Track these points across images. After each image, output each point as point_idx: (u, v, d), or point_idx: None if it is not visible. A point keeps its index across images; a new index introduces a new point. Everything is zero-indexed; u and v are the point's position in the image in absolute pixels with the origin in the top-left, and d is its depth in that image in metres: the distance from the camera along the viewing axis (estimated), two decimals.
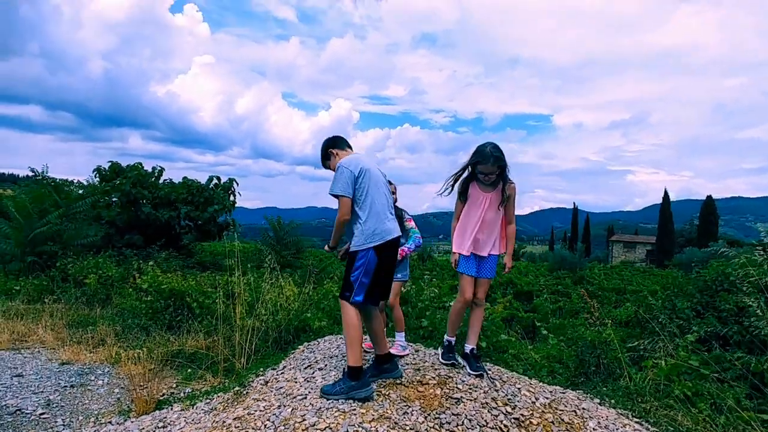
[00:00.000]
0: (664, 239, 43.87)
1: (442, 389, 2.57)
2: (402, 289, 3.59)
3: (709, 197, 43.66)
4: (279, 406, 2.39)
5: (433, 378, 2.70)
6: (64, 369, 4.66)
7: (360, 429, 2.09)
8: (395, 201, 3.50)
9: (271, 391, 2.74)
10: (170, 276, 6.89)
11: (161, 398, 3.88)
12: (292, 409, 2.31)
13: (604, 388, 3.93)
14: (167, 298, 6.16)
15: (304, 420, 2.18)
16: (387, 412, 2.25)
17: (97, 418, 3.62)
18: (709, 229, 40.15)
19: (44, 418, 3.58)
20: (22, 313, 6.58)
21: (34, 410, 3.69)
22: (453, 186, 3.08)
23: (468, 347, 3.16)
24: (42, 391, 4.07)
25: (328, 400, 2.40)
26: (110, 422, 3.49)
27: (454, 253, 3.04)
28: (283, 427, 2.14)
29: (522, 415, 2.56)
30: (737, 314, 4.85)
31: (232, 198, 13.93)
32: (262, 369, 3.45)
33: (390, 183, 3.49)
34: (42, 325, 5.95)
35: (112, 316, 6.31)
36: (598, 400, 3.47)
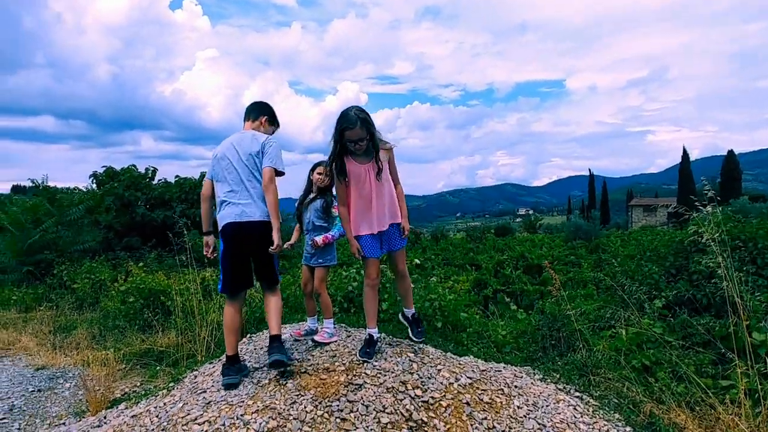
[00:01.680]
0: (685, 200, 42.50)
1: (347, 376, 2.53)
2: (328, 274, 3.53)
3: (731, 152, 42.00)
4: (177, 401, 2.40)
5: (343, 364, 2.66)
6: (38, 374, 4.80)
7: (237, 421, 2.07)
8: (325, 184, 3.36)
9: (188, 386, 2.75)
10: (154, 276, 7.02)
11: (117, 398, 3.97)
12: (183, 404, 2.31)
13: (559, 363, 3.83)
14: (146, 297, 6.29)
15: (188, 414, 2.18)
16: (274, 403, 2.23)
17: (52, 420, 3.72)
18: (731, 185, 38.68)
19: (2, 423, 3.70)
20: (14, 321, 6.81)
21: None
22: (341, 169, 2.87)
23: (408, 312, 3.19)
24: (9, 397, 4.20)
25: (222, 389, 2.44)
26: (63, 423, 3.59)
27: (354, 239, 2.89)
28: (166, 423, 2.15)
29: (432, 397, 2.51)
30: (709, 277, 4.65)
31: None
32: (198, 365, 3.48)
33: (319, 164, 3.40)
34: (28, 332, 6.14)
35: (92, 319, 6.47)
36: (539, 376, 3.39)
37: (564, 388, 3.25)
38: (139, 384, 4.48)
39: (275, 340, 2.64)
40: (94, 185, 12.65)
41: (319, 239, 3.24)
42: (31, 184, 12.38)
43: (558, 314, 4.33)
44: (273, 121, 3.10)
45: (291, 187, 3.88)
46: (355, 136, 2.71)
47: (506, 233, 44.71)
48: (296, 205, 3.46)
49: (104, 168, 12.20)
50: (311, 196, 3.37)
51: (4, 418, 3.78)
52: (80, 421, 3.46)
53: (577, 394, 3.19)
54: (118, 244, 11.22)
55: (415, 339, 3.10)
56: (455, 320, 4.59)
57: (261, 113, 3.03)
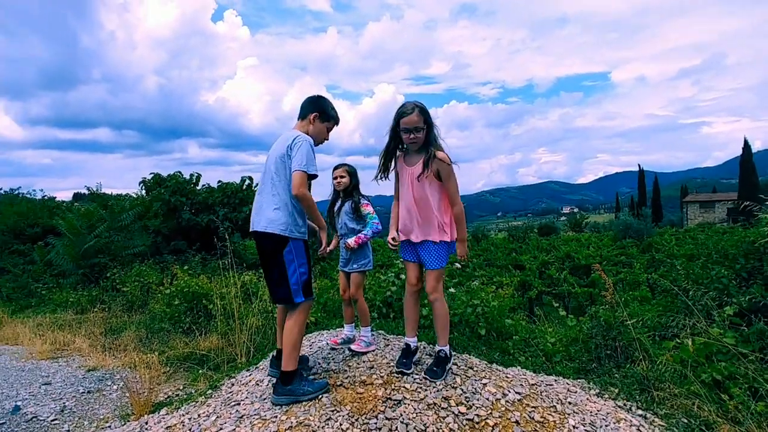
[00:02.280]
0: (747, 195, 39.57)
1: (385, 390, 2.37)
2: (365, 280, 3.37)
3: None
4: (210, 413, 2.33)
5: (381, 377, 2.51)
6: (88, 376, 4.95)
7: None
8: (348, 186, 3.23)
9: (223, 396, 2.69)
10: (197, 279, 7.16)
11: (160, 401, 4.00)
12: (216, 417, 2.25)
13: (616, 376, 3.52)
14: (189, 301, 6.41)
15: (221, 429, 2.11)
16: (308, 419, 2.11)
17: (99, 422, 3.80)
18: None
19: (54, 424, 3.81)
20: (69, 323, 7.14)
21: (47, 417, 3.93)
22: (385, 164, 2.79)
23: (437, 348, 2.82)
24: (61, 398, 4.34)
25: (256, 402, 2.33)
26: (108, 426, 3.65)
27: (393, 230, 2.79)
28: None
29: (477, 415, 2.31)
30: None
31: None
32: (236, 371, 3.43)
33: (341, 165, 3.28)
34: (81, 333, 6.40)
35: (139, 322, 6.66)
36: (596, 391, 3.10)
37: (624, 405, 2.96)
38: (181, 387, 4.51)
39: (286, 375, 2.43)
40: (143, 191, 13.20)
41: (351, 241, 3.10)
42: (87, 192, 13.07)
43: (613, 321, 3.99)
44: (326, 117, 2.80)
45: (326, 189, 3.78)
46: (411, 124, 2.59)
47: (550, 232, 43.38)
48: (327, 211, 3.35)
49: (152, 175, 12.70)
50: (339, 201, 3.27)
51: (55, 419, 3.89)
52: (124, 425, 3.49)
53: (640, 412, 2.90)
54: (165, 248, 11.63)
55: (424, 375, 2.67)
56: (500, 327, 4.34)
57: (311, 110, 2.77)
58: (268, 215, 2.56)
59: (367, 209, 3.14)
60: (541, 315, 5.65)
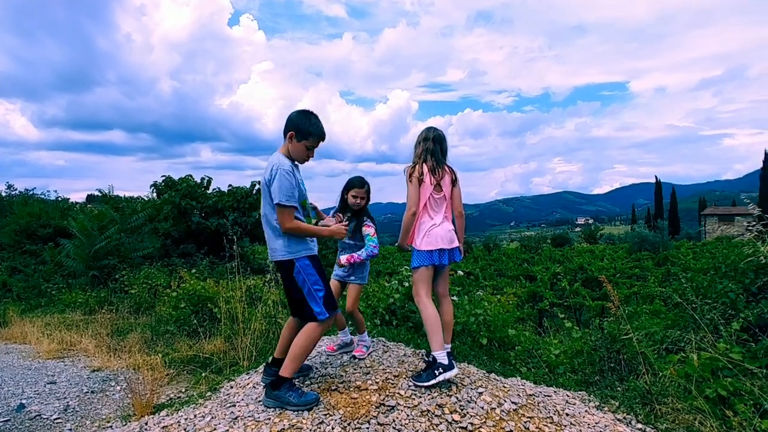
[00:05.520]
0: (767, 208, 38.69)
1: (379, 395, 2.37)
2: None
3: None
4: (206, 415, 2.35)
5: (375, 383, 2.51)
6: (93, 376, 5.01)
7: None
8: (361, 206, 3.17)
9: (221, 398, 2.71)
10: (204, 283, 7.23)
11: (161, 403, 4.04)
12: (211, 418, 2.26)
13: (618, 388, 3.46)
14: (195, 304, 6.47)
15: (215, 430, 2.12)
16: (301, 422, 2.11)
17: (101, 422, 3.84)
18: None
19: (57, 423, 3.86)
20: (77, 323, 7.25)
21: (51, 415, 3.98)
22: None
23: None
24: (65, 397, 4.39)
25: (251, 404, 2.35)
26: (110, 427, 3.69)
27: None
28: None
29: (471, 423, 2.29)
30: None
31: None
32: (235, 375, 3.45)
33: (363, 184, 3.21)
34: (88, 334, 6.49)
35: (144, 324, 6.73)
36: (595, 403, 3.05)
37: (624, 418, 2.90)
38: (183, 390, 4.54)
39: (278, 380, 2.41)
40: (155, 194, 13.40)
41: (344, 258, 3.10)
42: (99, 194, 13.34)
43: (617, 334, 3.93)
44: (302, 135, 2.56)
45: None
46: None
47: (564, 243, 42.93)
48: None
49: (163, 178, 12.89)
50: (347, 216, 3.23)
51: (58, 418, 3.94)
52: (125, 425, 3.52)
53: (639, 425, 2.84)
54: (175, 251, 11.77)
55: (412, 379, 2.69)
56: (503, 337, 4.30)
57: (287, 129, 2.58)
58: (272, 245, 2.56)
59: (368, 231, 3.08)
60: (548, 327, 5.58)
